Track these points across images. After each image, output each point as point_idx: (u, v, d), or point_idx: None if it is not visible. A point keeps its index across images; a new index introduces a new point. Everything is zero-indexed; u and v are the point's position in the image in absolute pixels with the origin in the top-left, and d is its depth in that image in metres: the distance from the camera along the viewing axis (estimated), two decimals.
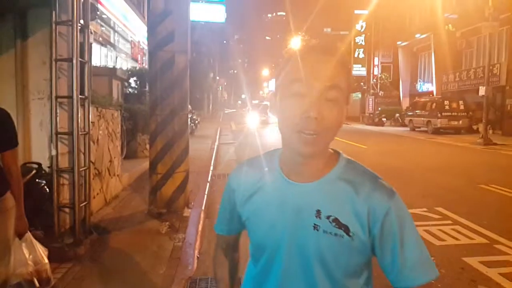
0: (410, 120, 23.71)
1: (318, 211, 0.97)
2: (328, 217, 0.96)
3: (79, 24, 3.93)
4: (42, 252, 2.42)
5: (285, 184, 1.02)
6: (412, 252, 0.96)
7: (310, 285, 0.99)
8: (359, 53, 35.38)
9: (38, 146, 4.30)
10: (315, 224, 0.97)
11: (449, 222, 5.25)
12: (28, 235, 2.36)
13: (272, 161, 1.08)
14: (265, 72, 74.82)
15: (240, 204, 1.10)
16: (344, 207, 0.97)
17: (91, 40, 6.07)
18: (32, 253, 2.34)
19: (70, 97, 3.92)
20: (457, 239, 4.65)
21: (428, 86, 28.52)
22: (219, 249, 1.28)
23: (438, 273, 0.98)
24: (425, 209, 5.80)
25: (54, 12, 3.94)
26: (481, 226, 5.02)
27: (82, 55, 4.04)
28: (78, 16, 3.88)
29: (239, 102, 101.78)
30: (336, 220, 0.96)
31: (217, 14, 17.14)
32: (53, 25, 3.94)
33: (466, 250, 4.31)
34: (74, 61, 3.83)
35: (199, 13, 16.55)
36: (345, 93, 0.96)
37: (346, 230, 0.95)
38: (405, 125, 24.92)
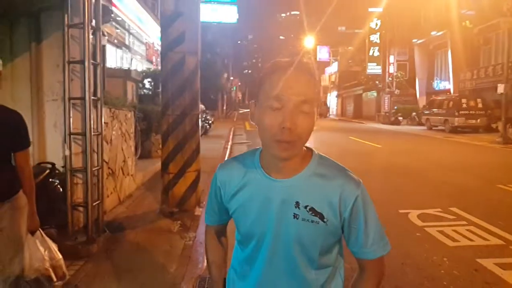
0: (427, 118, 23.36)
1: (297, 202, 1.14)
2: (305, 207, 1.13)
3: (91, 27, 4.00)
4: (55, 247, 2.48)
5: (267, 181, 1.17)
6: (373, 231, 1.17)
7: (292, 264, 1.17)
8: (374, 51, 35.01)
9: (52, 146, 4.40)
10: (294, 214, 1.14)
11: (464, 222, 5.16)
12: (40, 232, 2.43)
13: (253, 160, 1.23)
14: None
15: (226, 200, 1.25)
16: (318, 197, 1.14)
17: (104, 42, 6.17)
18: (47, 249, 2.41)
19: (83, 98, 3.99)
20: (471, 240, 4.56)
21: (445, 84, 28.06)
22: (209, 235, 1.43)
23: (391, 247, 1.19)
24: (439, 210, 5.72)
25: (66, 15, 4.03)
26: (497, 227, 4.92)
27: (94, 57, 4.12)
28: (90, 19, 3.95)
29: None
30: (312, 209, 1.13)
31: (229, 14, 17.17)
32: (66, 28, 4.02)
33: (480, 251, 4.23)
34: (86, 63, 3.90)
35: (211, 14, 16.60)
36: (315, 103, 1.12)
37: (321, 217, 1.13)
38: (422, 124, 24.56)
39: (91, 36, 4.03)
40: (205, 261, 3.80)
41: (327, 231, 1.14)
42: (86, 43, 3.91)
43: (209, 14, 16.37)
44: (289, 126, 1.05)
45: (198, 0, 5.54)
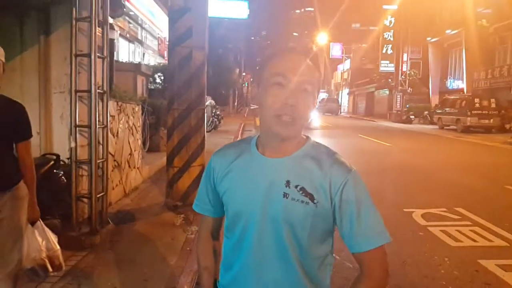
0: (439, 118, 23.07)
1: (288, 181, 1.14)
2: (296, 186, 1.13)
3: (98, 20, 4.05)
4: (53, 238, 2.53)
5: (260, 159, 1.19)
6: (368, 220, 1.12)
7: (281, 246, 1.14)
8: (387, 49, 34.67)
9: (59, 138, 4.47)
10: (284, 193, 1.13)
11: (468, 223, 5.11)
12: (40, 222, 2.48)
13: (249, 143, 1.25)
14: None
15: (218, 182, 1.24)
16: (310, 178, 1.14)
17: (113, 36, 6.23)
18: (44, 240, 2.46)
19: (89, 91, 4.04)
20: (474, 240, 4.53)
21: (458, 83, 27.68)
22: (202, 236, 1.38)
23: (390, 239, 1.13)
24: (444, 209, 5.67)
25: (74, 9, 4.07)
26: (502, 228, 4.86)
27: (102, 50, 4.17)
28: (97, 13, 3.99)
29: None
30: (303, 189, 1.13)
31: (239, 10, 17.13)
32: (73, 21, 4.07)
33: (483, 252, 4.20)
34: (93, 56, 3.95)
35: (222, 9, 16.55)
36: (316, 87, 1.16)
37: (311, 197, 1.12)
38: (434, 123, 24.27)
39: (99, 30, 4.09)
40: None
41: (316, 213, 1.12)
42: (93, 37, 3.96)
43: (219, 9, 16.33)
44: (292, 102, 1.09)
45: None
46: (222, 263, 1.29)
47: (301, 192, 1.12)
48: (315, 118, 15.95)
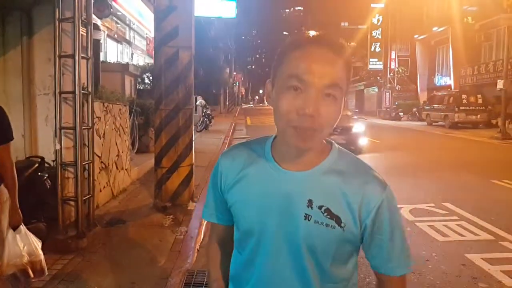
0: (427, 114, 23.30)
1: (310, 201, 0.97)
2: (320, 207, 0.97)
3: (82, 21, 4.01)
4: (36, 243, 2.50)
5: (276, 171, 1.01)
6: (399, 244, 1.01)
7: (300, 271, 1.00)
8: (375, 47, 34.86)
9: (44, 140, 4.42)
10: (306, 214, 0.97)
11: (455, 218, 5.17)
12: (22, 227, 2.44)
13: (264, 147, 1.07)
14: None
15: (226, 190, 1.08)
16: (336, 198, 0.97)
17: (99, 36, 6.18)
18: (26, 245, 2.42)
19: (74, 92, 4.00)
20: (461, 235, 4.58)
21: (446, 80, 27.94)
22: (212, 244, 1.24)
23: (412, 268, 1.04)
24: (432, 205, 5.73)
25: (57, 9, 4.03)
26: (488, 222, 4.93)
27: (86, 51, 4.13)
28: (80, 13, 3.95)
29: (257, 97, 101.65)
30: (328, 211, 0.97)
31: (227, 9, 17.04)
32: (57, 22, 4.03)
33: (470, 246, 4.24)
34: (76, 57, 3.91)
35: (209, 9, 16.45)
36: (344, 90, 0.95)
37: (338, 220, 0.96)
38: (422, 120, 24.48)
39: (83, 30, 4.05)
40: (195, 255, 3.84)
41: (343, 238, 0.98)
42: (77, 37, 3.92)
43: (206, 9, 16.23)
44: (311, 112, 0.88)
45: None
46: (232, 276, 1.15)
47: (326, 214, 0.96)
48: (361, 132, 11.55)
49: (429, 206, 5.65)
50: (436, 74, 29.89)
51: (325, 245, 0.98)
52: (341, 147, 1.07)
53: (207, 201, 1.17)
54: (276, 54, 1.00)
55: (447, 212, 5.39)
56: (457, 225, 4.87)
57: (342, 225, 0.96)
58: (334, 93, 0.91)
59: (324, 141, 1.04)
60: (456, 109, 19.84)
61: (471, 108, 19.77)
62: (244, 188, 1.05)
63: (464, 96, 20.27)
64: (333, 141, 1.06)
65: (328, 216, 0.96)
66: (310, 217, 0.97)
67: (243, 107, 44.92)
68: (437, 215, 5.28)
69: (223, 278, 1.21)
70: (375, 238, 0.99)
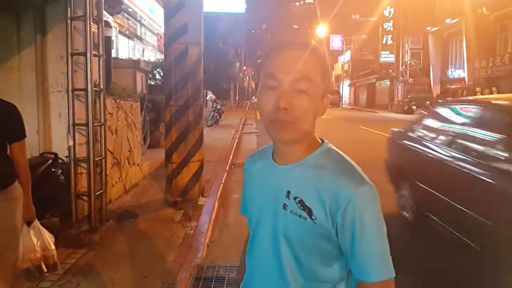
0: None
1: (288, 192, 1.04)
2: (295, 198, 1.02)
3: (94, 18, 4.06)
4: (49, 238, 2.56)
5: (270, 166, 1.11)
6: (371, 248, 0.97)
7: (277, 260, 1.05)
8: (387, 40, 34.53)
9: (57, 137, 4.50)
10: (284, 204, 1.04)
11: None
12: (36, 222, 2.50)
13: (270, 148, 1.17)
14: None
15: (245, 185, 1.23)
16: (309, 190, 1.01)
17: (110, 33, 6.24)
18: (39, 240, 2.48)
19: (86, 89, 4.07)
20: None
21: (459, 73, 27.56)
22: (245, 246, 1.25)
23: (394, 274, 0.99)
24: None
25: (69, 8, 4.09)
26: None
27: (98, 48, 4.19)
28: (92, 11, 4.00)
29: None
30: (301, 202, 1.01)
31: (236, 5, 17.01)
32: (69, 20, 4.09)
33: None
34: (88, 55, 3.97)
35: (218, 4, 16.44)
36: (318, 87, 1.02)
37: (309, 212, 1.00)
38: None
39: (94, 28, 4.10)
40: (204, 250, 3.90)
41: (315, 231, 1.00)
42: (88, 35, 3.98)
43: (216, 4, 16.21)
44: (283, 105, 0.97)
45: None
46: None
47: (299, 205, 1.01)
48: None
49: None
50: (449, 67, 29.49)
51: (298, 235, 1.02)
52: (333, 147, 1.10)
53: (242, 197, 1.28)
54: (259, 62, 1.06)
55: None
56: None
57: (313, 217, 0.99)
58: (306, 88, 0.99)
59: (318, 139, 1.10)
60: None
61: None
62: (252, 183, 1.18)
63: (478, 89, 20.01)
64: (325, 140, 1.11)
65: (301, 207, 1.01)
66: (287, 207, 1.03)
67: (253, 101, 44.88)
68: None
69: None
70: (345, 236, 0.98)
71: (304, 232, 1.01)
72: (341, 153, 1.08)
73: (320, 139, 1.11)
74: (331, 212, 0.98)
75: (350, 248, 0.98)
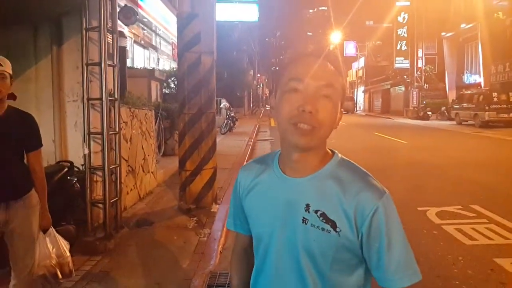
0: (457, 113, 22.70)
1: (307, 205, 1.02)
2: (316, 211, 1.01)
3: (108, 29, 4.14)
4: (64, 246, 2.61)
5: (280, 178, 1.09)
6: (398, 254, 0.99)
7: (300, 277, 1.04)
8: (401, 46, 34.28)
9: (73, 145, 4.59)
10: (303, 218, 1.02)
11: (484, 220, 5.03)
12: (52, 230, 2.55)
13: (273, 159, 1.15)
14: None
15: (243, 198, 1.18)
16: (332, 203, 1.01)
17: (124, 44, 6.34)
18: (55, 247, 2.53)
19: (101, 99, 4.14)
20: (490, 238, 4.46)
21: (475, 78, 27.17)
22: (234, 253, 1.31)
23: (421, 277, 1.01)
24: (459, 207, 5.59)
25: (84, 19, 4.18)
26: None
27: (112, 58, 4.26)
28: (106, 22, 4.08)
29: None
30: (323, 215, 1.01)
31: (250, 13, 17.09)
32: (84, 31, 4.18)
33: (499, 250, 4.13)
34: (103, 65, 4.04)
35: (231, 13, 16.55)
36: (339, 94, 1.04)
37: (333, 225, 1.00)
38: (451, 119, 23.90)
39: (109, 38, 4.19)
40: (217, 257, 3.90)
41: (339, 243, 1.00)
42: (103, 46, 4.06)
43: (228, 13, 16.33)
44: (310, 109, 0.98)
45: (213, 1, 5.63)
46: (251, 285, 1.21)
47: (321, 218, 1.01)
48: None
49: (456, 209, 5.52)
50: (465, 72, 29.10)
51: (322, 248, 1.01)
52: (343, 157, 1.11)
53: (230, 211, 1.26)
54: (275, 69, 1.08)
55: (475, 215, 5.26)
56: (486, 228, 4.74)
57: (338, 229, 0.99)
58: (330, 94, 1.01)
59: (328, 150, 1.11)
60: (487, 107, 19.25)
61: (502, 106, 19.11)
62: (254, 196, 1.14)
63: (494, 94, 19.65)
64: (336, 151, 1.11)
65: (324, 220, 1.00)
66: (307, 220, 1.02)
67: (267, 108, 44.99)
68: (464, 218, 5.16)
69: (244, 286, 1.26)
70: (372, 246, 1.00)
71: (327, 244, 1.01)
72: (353, 162, 1.09)
73: (330, 149, 1.12)
74: (357, 223, 0.99)
75: (377, 258, 1.00)
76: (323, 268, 1.02)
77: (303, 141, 1.00)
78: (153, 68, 12.58)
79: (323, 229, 1.00)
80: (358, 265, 1.05)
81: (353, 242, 1.00)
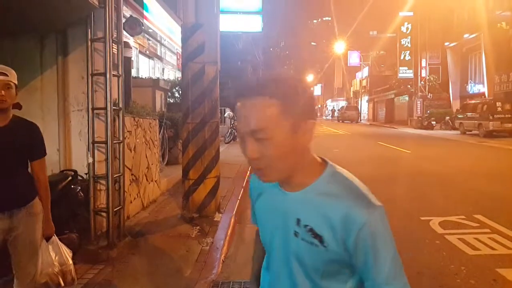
0: (461, 123, 22.66)
1: (298, 220, 1.06)
2: (305, 226, 1.04)
3: (113, 40, 4.21)
4: (67, 254, 2.63)
5: (278, 191, 1.12)
6: (387, 269, 1.00)
7: (291, 279, 1.10)
8: (405, 55, 34.39)
9: (77, 154, 4.64)
10: (295, 231, 1.06)
11: (487, 230, 5.01)
12: (55, 238, 2.58)
13: None
14: (310, 77, 74.45)
15: (254, 201, 1.24)
16: (320, 218, 1.02)
17: (129, 54, 6.41)
18: (58, 255, 2.55)
19: (105, 108, 4.19)
20: (493, 248, 4.44)
21: (479, 88, 27.13)
22: (256, 243, 1.38)
23: (406, 279, 1.03)
24: (462, 217, 5.57)
25: (89, 30, 4.26)
26: None
27: (117, 68, 4.33)
28: (111, 33, 4.15)
29: None
30: (311, 230, 1.03)
31: (253, 24, 17.21)
32: (89, 42, 4.25)
33: (501, 260, 4.11)
34: (108, 75, 4.10)
35: (235, 24, 16.68)
36: (284, 125, 0.97)
37: (320, 240, 1.02)
38: (455, 129, 23.84)
39: (115, 48, 4.25)
40: (220, 266, 3.91)
41: (327, 257, 1.02)
42: (108, 56, 4.12)
43: (232, 24, 16.46)
44: (250, 156, 0.99)
45: (217, 12, 5.70)
46: (261, 272, 1.29)
47: (310, 233, 1.03)
48: None
49: (459, 218, 5.51)
50: (468, 82, 29.08)
51: (312, 260, 1.05)
52: (337, 167, 1.09)
53: (251, 207, 1.31)
54: None
55: (478, 225, 5.24)
56: (489, 238, 4.73)
57: (325, 244, 1.01)
58: (264, 136, 0.96)
59: (319, 159, 1.10)
60: (491, 117, 19.21)
61: (506, 116, 19.06)
62: (262, 203, 1.20)
63: (498, 104, 19.62)
64: (328, 161, 1.10)
65: (312, 235, 1.03)
66: (298, 234, 1.05)
67: None
68: (468, 228, 5.14)
69: (259, 265, 1.34)
70: (359, 259, 1.01)
71: (317, 257, 1.03)
72: (347, 174, 1.08)
73: (322, 159, 1.11)
74: (344, 239, 1.00)
75: (365, 269, 1.02)
76: (313, 277, 1.06)
77: (265, 180, 1.04)
78: (158, 78, 12.69)
79: (311, 243, 1.03)
80: (350, 275, 1.07)
81: (341, 255, 1.02)
